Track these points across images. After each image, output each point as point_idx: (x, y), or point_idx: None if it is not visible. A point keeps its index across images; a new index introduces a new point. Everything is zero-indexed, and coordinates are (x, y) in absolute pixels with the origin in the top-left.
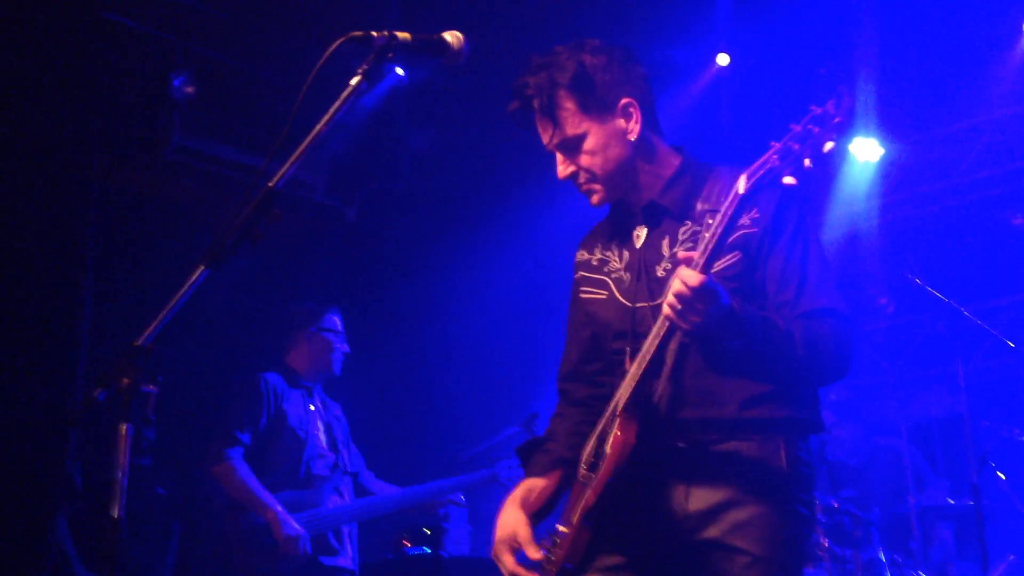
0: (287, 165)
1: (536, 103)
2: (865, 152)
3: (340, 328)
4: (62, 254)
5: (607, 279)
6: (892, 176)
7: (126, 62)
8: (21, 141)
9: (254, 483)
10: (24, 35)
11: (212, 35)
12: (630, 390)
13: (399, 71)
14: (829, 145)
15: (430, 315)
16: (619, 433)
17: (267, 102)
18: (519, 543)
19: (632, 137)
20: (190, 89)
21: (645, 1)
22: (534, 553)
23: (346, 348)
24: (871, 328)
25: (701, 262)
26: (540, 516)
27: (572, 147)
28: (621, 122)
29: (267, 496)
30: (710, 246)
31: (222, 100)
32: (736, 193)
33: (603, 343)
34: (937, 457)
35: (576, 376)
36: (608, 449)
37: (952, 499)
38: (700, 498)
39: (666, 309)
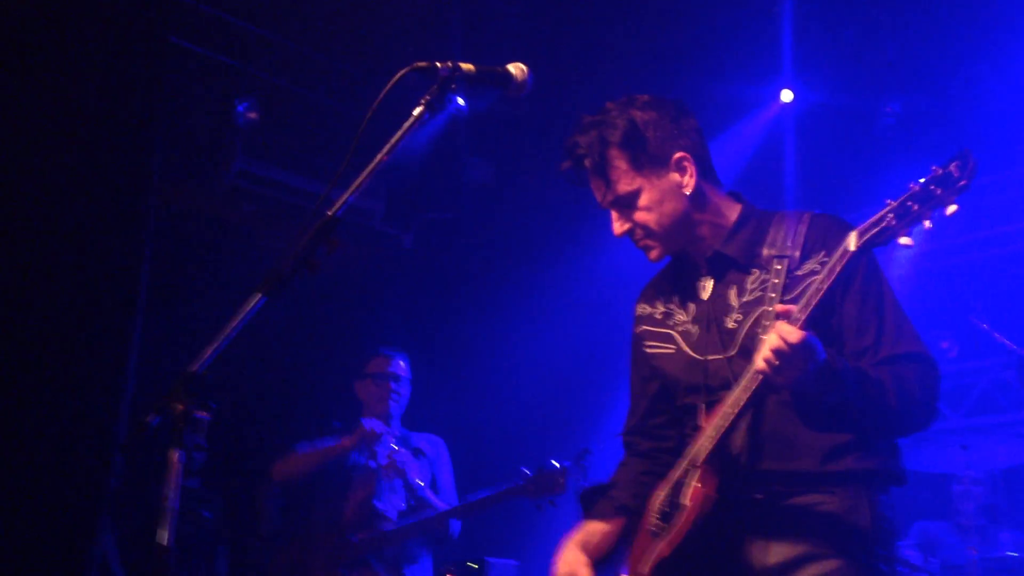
0: (347, 193)
1: (588, 162)
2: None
3: (401, 373)
4: (117, 274)
5: (673, 332)
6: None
7: (191, 87)
8: (84, 161)
9: (317, 443)
10: (91, 57)
11: (277, 62)
12: (712, 442)
13: (460, 101)
14: (952, 208)
15: (482, 346)
16: (699, 485)
17: (329, 129)
18: None
19: (687, 191)
20: (253, 115)
21: (709, 38)
22: None
23: (401, 392)
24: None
25: (802, 318)
26: (599, 562)
27: (626, 204)
28: (675, 176)
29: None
30: (813, 301)
31: (285, 126)
32: (846, 250)
33: (671, 397)
34: (1001, 508)
35: (642, 430)
36: (687, 501)
37: (1015, 552)
38: (778, 552)
39: (761, 364)
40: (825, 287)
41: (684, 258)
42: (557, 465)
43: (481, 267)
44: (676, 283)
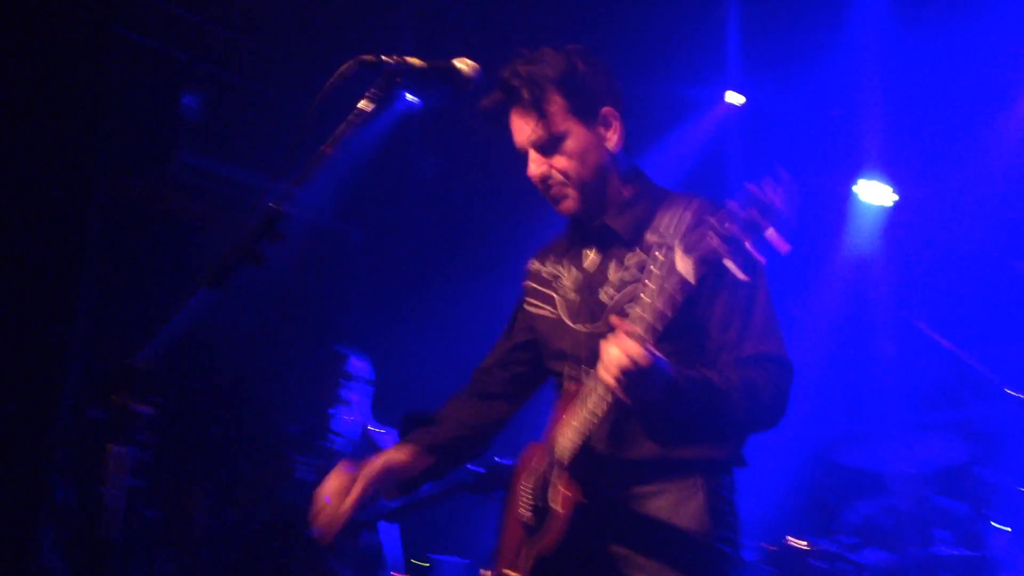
0: (292, 186)
1: (525, 93)
2: (873, 195)
3: (356, 372)
4: (58, 265)
5: (556, 295)
6: (900, 220)
7: (136, 78)
8: (26, 149)
9: None
10: (36, 46)
11: (222, 54)
12: (573, 447)
13: (411, 98)
14: (770, 232)
15: (436, 341)
16: (569, 493)
17: (275, 123)
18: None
19: (611, 146)
20: (198, 107)
21: (657, 38)
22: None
23: (354, 391)
24: (875, 374)
25: (651, 342)
26: (387, 490)
27: (550, 146)
28: (601, 130)
29: None
30: (658, 327)
31: (230, 119)
32: (686, 282)
33: (540, 358)
34: (938, 506)
35: (494, 374)
36: (558, 508)
37: (953, 550)
38: (627, 549)
39: (610, 380)
40: (669, 314)
41: (578, 223)
42: (504, 462)
43: (432, 262)
44: (568, 247)
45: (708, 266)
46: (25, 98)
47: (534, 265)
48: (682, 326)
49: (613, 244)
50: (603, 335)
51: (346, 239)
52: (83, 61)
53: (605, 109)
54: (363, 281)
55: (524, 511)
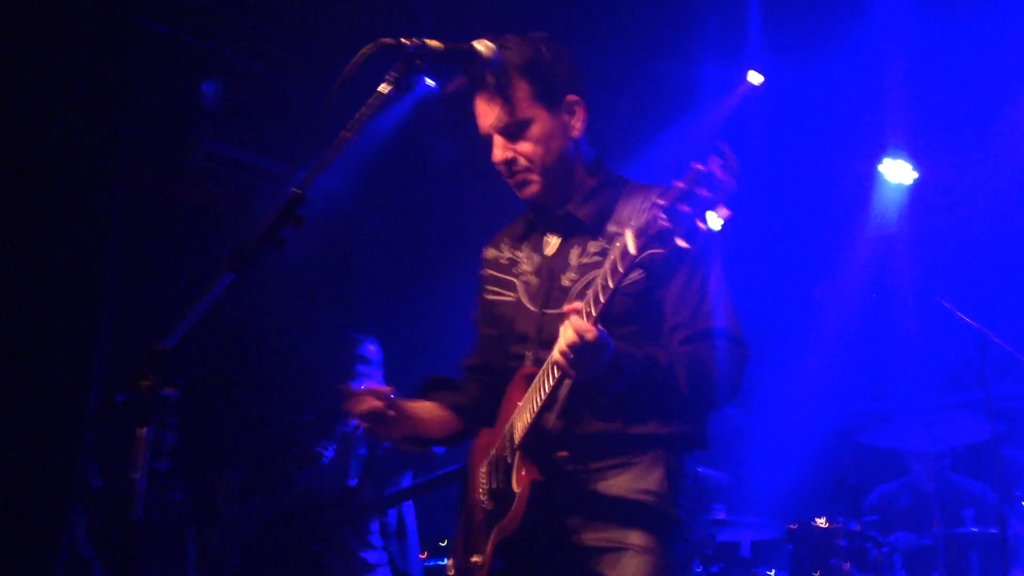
0: (313, 171)
1: (490, 79)
2: (896, 174)
3: (371, 357)
4: (83, 255)
5: (516, 280)
6: (924, 199)
7: (156, 67)
8: (48, 140)
9: None
10: (55, 36)
11: (242, 41)
12: (526, 426)
13: (429, 81)
14: (724, 213)
15: (451, 328)
16: (524, 473)
17: (296, 109)
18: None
19: (575, 134)
20: (219, 95)
21: (676, 19)
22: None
23: (370, 376)
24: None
25: (594, 315)
26: (415, 438)
27: (516, 132)
28: (565, 117)
29: None
30: (602, 300)
31: (251, 106)
32: (627, 252)
33: (505, 344)
34: (962, 484)
35: (482, 368)
36: (516, 488)
37: (977, 528)
38: (591, 525)
39: (559, 358)
40: (612, 288)
41: (538, 209)
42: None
43: (450, 248)
44: (526, 233)
45: (654, 241)
46: (46, 88)
47: (490, 252)
48: (641, 309)
49: (576, 232)
50: (562, 318)
51: (365, 223)
52: (103, 50)
53: (570, 97)
54: (381, 266)
55: (482, 497)
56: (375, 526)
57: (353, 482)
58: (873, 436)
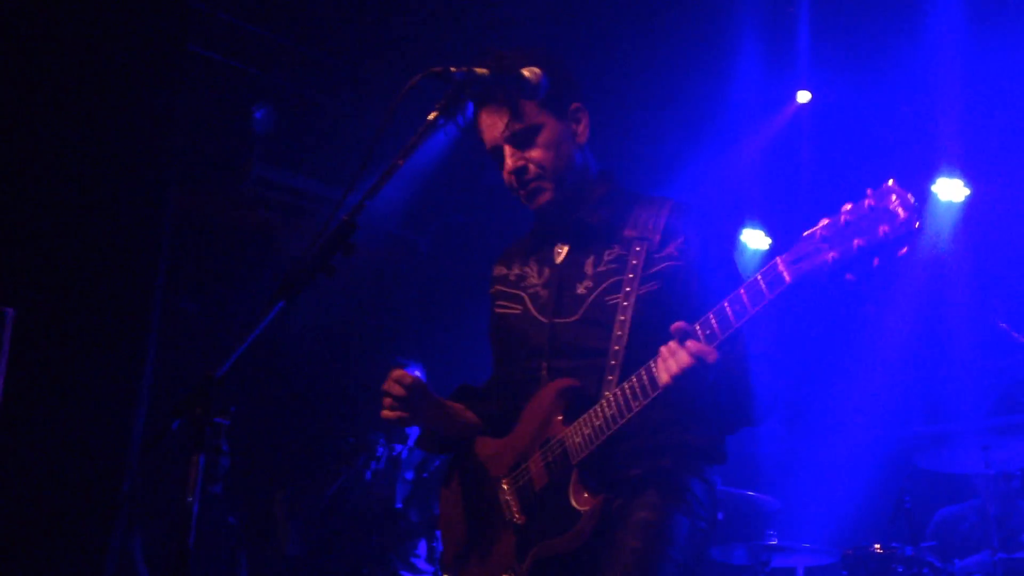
0: (364, 198)
1: (497, 89)
2: (949, 192)
3: None
4: (136, 281)
5: (523, 294)
6: (979, 218)
7: (209, 94)
8: (102, 168)
9: None
10: (109, 65)
11: (294, 68)
12: (587, 442)
13: None
14: (903, 251)
15: None
16: (587, 493)
17: (346, 135)
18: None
19: (581, 140)
20: (271, 121)
21: (725, 38)
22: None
23: None
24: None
25: (720, 337)
26: (439, 437)
27: (525, 139)
28: (571, 125)
29: None
30: (727, 332)
31: (302, 132)
32: (783, 280)
33: (516, 357)
34: (1022, 508)
35: (495, 382)
36: (579, 505)
37: None
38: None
39: (667, 379)
40: (752, 314)
41: (546, 222)
42: None
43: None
44: (533, 247)
45: (818, 272)
46: (98, 116)
47: (499, 270)
48: (660, 315)
49: (589, 239)
50: (579, 326)
51: (413, 248)
52: (157, 78)
53: (574, 104)
54: (428, 290)
55: (513, 512)
56: (422, 550)
57: (399, 505)
58: (929, 459)
